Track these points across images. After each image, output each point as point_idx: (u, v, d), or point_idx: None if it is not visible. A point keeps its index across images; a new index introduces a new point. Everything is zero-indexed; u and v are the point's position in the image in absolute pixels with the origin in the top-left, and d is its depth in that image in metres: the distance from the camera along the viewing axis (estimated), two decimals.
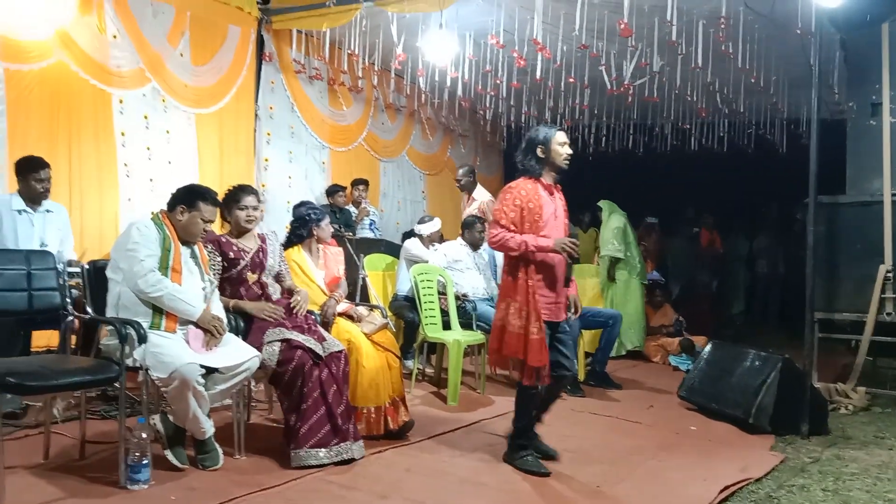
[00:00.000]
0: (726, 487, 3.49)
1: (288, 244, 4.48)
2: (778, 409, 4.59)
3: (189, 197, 3.62)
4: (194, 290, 3.58)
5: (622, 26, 5.45)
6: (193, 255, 3.67)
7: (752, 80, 7.14)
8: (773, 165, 9.94)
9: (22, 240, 4.45)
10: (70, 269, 4.15)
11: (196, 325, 3.50)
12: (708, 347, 5.54)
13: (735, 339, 7.62)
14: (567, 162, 3.74)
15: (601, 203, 7.59)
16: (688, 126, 9.79)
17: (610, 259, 7.32)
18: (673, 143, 10.18)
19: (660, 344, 7.46)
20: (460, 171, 7.38)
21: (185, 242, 3.63)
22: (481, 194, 7.17)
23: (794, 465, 3.98)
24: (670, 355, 7.26)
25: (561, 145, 3.69)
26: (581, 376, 5.93)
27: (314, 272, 4.44)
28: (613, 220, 7.36)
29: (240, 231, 4.09)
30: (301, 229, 4.48)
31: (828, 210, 5.57)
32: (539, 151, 3.68)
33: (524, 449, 3.73)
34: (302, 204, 4.62)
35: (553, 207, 3.74)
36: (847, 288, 5.69)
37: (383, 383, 4.12)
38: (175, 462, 3.37)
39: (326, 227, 4.52)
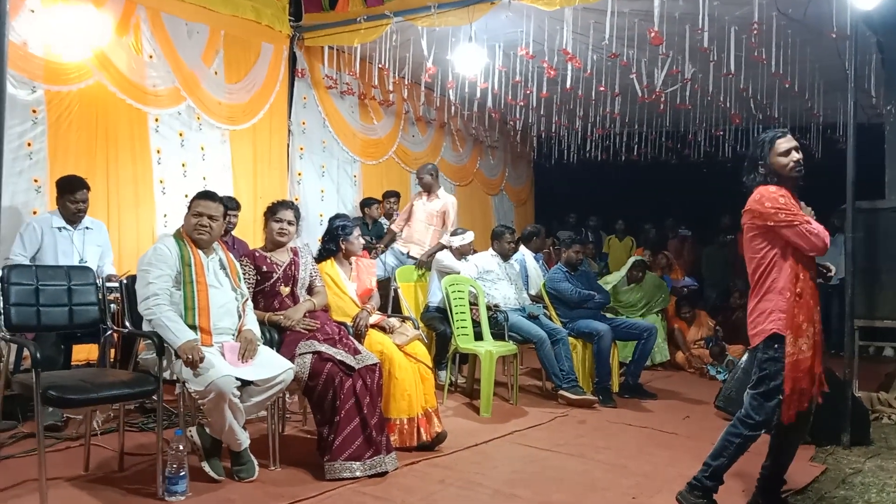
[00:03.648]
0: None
1: (319, 258, 4.53)
2: (818, 419, 4.47)
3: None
4: (223, 300, 3.63)
5: (652, 34, 5.43)
6: (223, 267, 3.73)
7: (787, 85, 7.05)
8: (809, 171, 9.66)
9: (62, 257, 4.56)
10: (109, 284, 4.24)
11: (234, 337, 3.58)
12: (745, 356, 5.44)
13: None
14: (797, 171, 3.19)
15: None
16: (721, 132, 9.68)
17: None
18: (706, 149, 10.06)
19: (697, 355, 7.34)
20: (426, 168, 6.85)
21: (205, 250, 3.67)
22: (446, 195, 6.88)
23: (835, 476, 3.90)
24: (708, 365, 7.14)
25: (784, 154, 3.16)
26: (615, 387, 5.91)
27: (346, 285, 4.48)
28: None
29: (274, 244, 4.14)
30: (330, 243, 4.53)
31: (866, 216, 5.45)
32: (760, 168, 3.15)
33: (706, 497, 3.21)
34: (337, 217, 4.67)
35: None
36: (888, 295, 5.55)
37: (416, 394, 4.13)
38: (212, 474, 3.42)
39: (356, 241, 4.55)
